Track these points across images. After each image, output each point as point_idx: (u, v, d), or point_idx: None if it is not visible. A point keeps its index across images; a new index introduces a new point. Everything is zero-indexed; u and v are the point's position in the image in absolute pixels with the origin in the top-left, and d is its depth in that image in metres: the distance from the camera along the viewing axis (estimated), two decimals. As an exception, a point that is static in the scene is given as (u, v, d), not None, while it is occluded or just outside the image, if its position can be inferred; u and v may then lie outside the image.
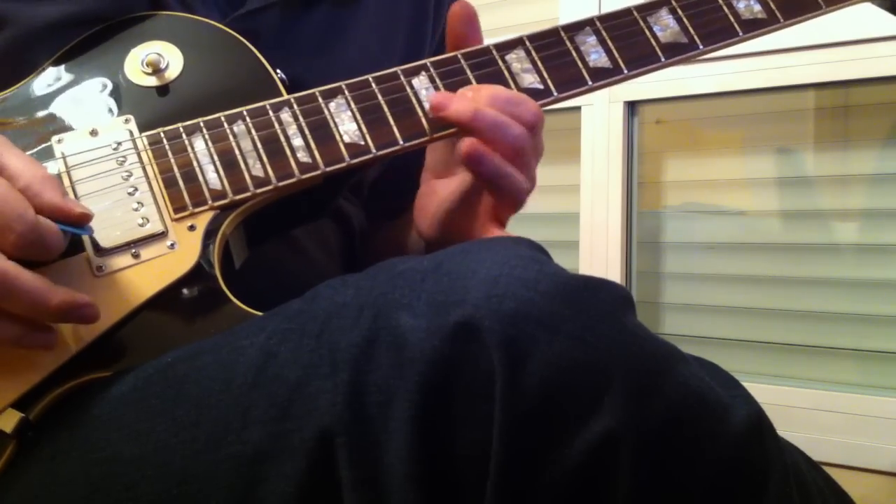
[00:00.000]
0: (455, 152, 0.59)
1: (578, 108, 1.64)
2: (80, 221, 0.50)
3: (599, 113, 1.63)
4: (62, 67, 0.60)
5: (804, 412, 1.43)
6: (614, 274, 1.61)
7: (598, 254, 1.63)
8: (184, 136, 0.57)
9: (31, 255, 0.47)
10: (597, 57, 0.62)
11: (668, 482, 0.40)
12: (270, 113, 0.58)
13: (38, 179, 0.49)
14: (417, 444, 0.40)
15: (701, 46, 0.64)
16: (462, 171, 0.62)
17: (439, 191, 0.64)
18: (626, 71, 0.63)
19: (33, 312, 0.48)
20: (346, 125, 0.59)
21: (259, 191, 0.56)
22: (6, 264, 0.46)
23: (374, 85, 0.60)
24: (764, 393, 1.33)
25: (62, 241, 0.49)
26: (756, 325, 1.53)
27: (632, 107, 1.63)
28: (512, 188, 0.57)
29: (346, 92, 0.60)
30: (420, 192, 0.66)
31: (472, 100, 0.57)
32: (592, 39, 0.63)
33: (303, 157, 0.57)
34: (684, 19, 0.64)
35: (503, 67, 0.62)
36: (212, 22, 0.63)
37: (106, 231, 0.54)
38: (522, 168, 0.58)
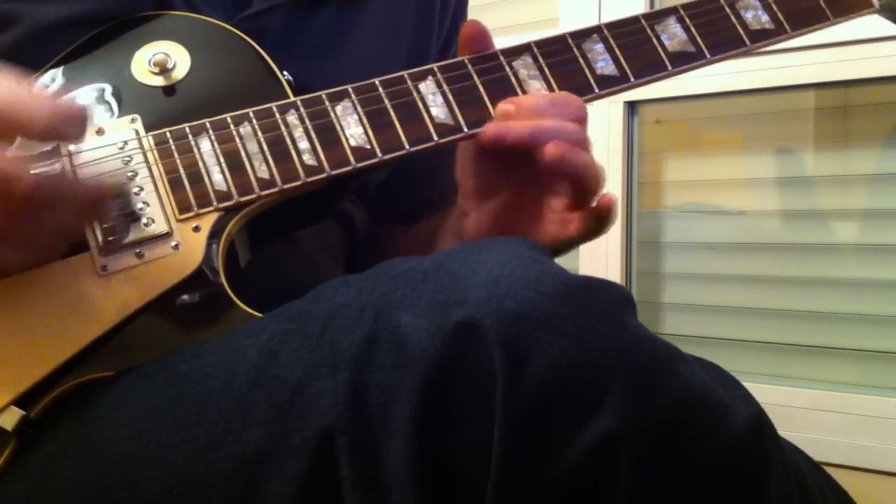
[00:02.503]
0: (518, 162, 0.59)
1: (579, 109, 1.64)
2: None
3: (599, 113, 1.63)
4: (69, 66, 0.61)
5: (804, 412, 1.43)
6: (614, 274, 1.61)
7: (598, 254, 1.63)
8: (190, 136, 0.57)
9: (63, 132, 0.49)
10: (604, 65, 0.62)
11: (668, 482, 0.40)
12: (277, 115, 0.59)
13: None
14: (418, 444, 0.40)
15: (708, 56, 0.64)
16: (501, 192, 0.63)
17: (482, 211, 0.64)
18: (633, 79, 0.63)
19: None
20: (353, 129, 0.59)
21: (264, 193, 0.57)
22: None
23: (380, 89, 0.60)
24: (764, 393, 1.33)
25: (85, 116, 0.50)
26: (756, 325, 1.53)
27: (632, 107, 1.63)
28: (592, 175, 0.58)
29: (353, 95, 0.60)
30: (458, 216, 0.66)
31: (518, 115, 0.58)
32: (600, 47, 0.63)
33: (308, 159, 0.58)
34: (692, 28, 0.64)
35: (510, 73, 0.62)
36: (219, 22, 0.63)
37: (110, 230, 0.54)
38: None
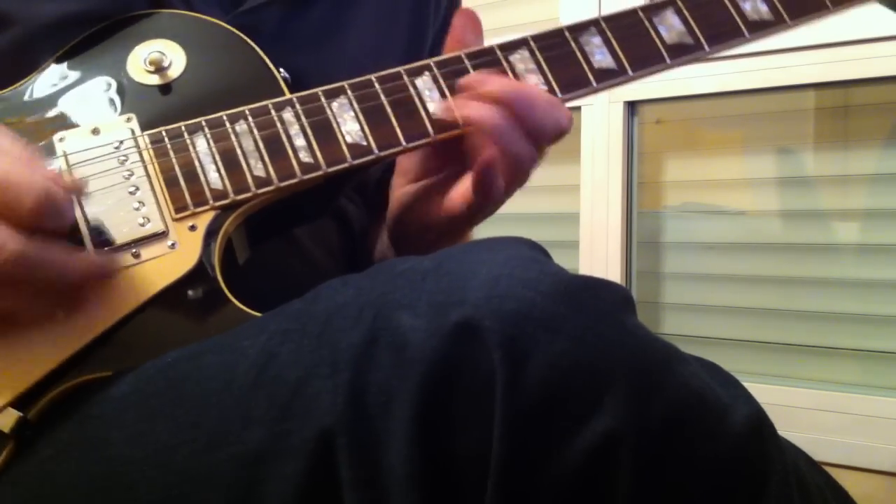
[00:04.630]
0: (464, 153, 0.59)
1: (578, 109, 1.64)
2: (73, 190, 0.51)
3: (599, 113, 1.63)
4: (64, 65, 0.60)
5: (804, 412, 1.43)
6: (614, 274, 1.61)
7: (598, 254, 1.63)
8: (185, 135, 0.57)
9: (48, 221, 0.48)
10: (601, 57, 0.62)
11: (668, 482, 0.40)
12: (273, 112, 0.58)
13: (27, 155, 0.49)
14: (418, 445, 0.40)
15: (707, 47, 0.63)
16: (429, 171, 0.63)
17: (404, 185, 0.65)
18: (630, 72, 0.62)
19: (59, 281, 0.49)
20: (349, 125, 0.59)
21: (261, 191, 0.56)
22: (27, 245, 0.46)
23: (377, 85, 0.60)
24: (764, 393, 1.33)
25: (72, 205, 0.50)
26: (756, 325, 1.53)
27: (632, 107, 1.64)
28: (498, 194, 0.58)
29: (349, 92, 0.59)
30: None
31: (505, 97, 0.58)
32: (597, 40, 0.62)
33: (305, 157, 0.57)
34: (690, 20, 0.63)
35: (507, 68, 0.61)
36: (214, 20, 0.62)
37: (106, 230, 0.54)
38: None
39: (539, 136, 0.58)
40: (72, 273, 0.49)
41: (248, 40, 0.62)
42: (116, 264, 0.52)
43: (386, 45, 0.73)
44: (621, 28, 0.63)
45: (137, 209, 0.55)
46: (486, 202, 0.59)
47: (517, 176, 0.58)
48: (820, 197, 1.51)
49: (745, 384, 0.45)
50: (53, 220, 0.48)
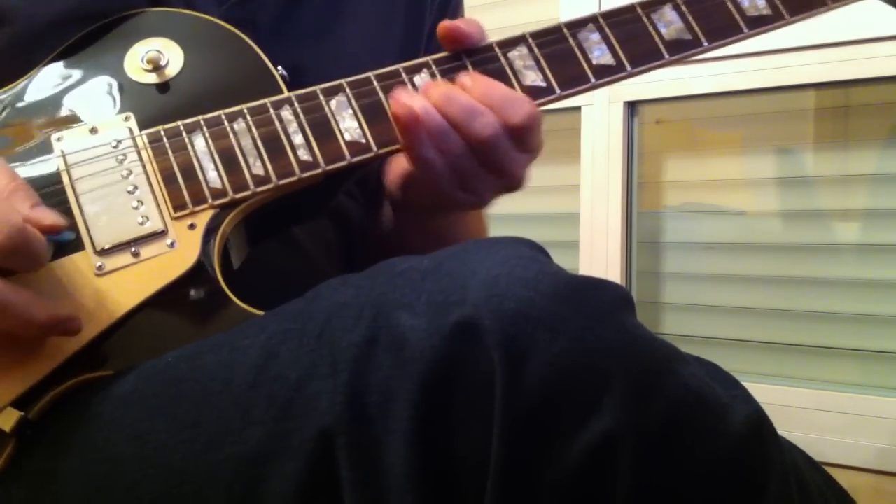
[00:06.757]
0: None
1: (578, 108, 1.64)
2: (50, 231, 0.50)
3: (599, 113, 1.63)
4: (62, 64, 0.60)
5: (804, 412, 1.43)
6: (614, 274, 1.61)
7: (598, 254, 1.63)
8: (184, 133, 0.57)
9: (18, 262, 0.47)
10: (600, 54, 0.62)
11: (667, 482, 0.39)
12: (271, 111, 0.58)
13: (8, 189, 0.49)
14: (417, 444, 0.40)
15: (705, 43, 0.63)
16: None
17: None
18: (629, 68, 0.62)
19: (20, 328, 0.48)
20: (347, 123, 0.59)
21: (259, 189, 0.56)
22: None
23: (375, 82, 0.60)
24: (764, 393, 1.33)
25: (46, 248, 0.49)
26: (756, 325, 1.53)
27: (632, 107, 1.63)
28: (431, 173, 0.57)
29: (348, 89, 0.59)
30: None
31: (467, 90, 0.57)
32: (595, 36, 0.62)
33: (303, 155, 0.57)
34: (688, 16, 0.63)
35: (505, 65, 0.61)
36: (212, 18, 0.62)
37: (105, 229, 0.54)
38: (492, 166, 0.57)
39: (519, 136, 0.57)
40: (34, 325, 0.48)
41: (247, 38, 0.61)
42: (79, 323, 0.50)
43: (383, 38, 0.73)
44: (620, 24, 0.63)
45: (136, 208, 0.55)
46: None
47: (501, 180, 0.58)
48: (820, 197, 1.51)
49: (745, 384, 0.45)
50: (23, 262, 0.48)
